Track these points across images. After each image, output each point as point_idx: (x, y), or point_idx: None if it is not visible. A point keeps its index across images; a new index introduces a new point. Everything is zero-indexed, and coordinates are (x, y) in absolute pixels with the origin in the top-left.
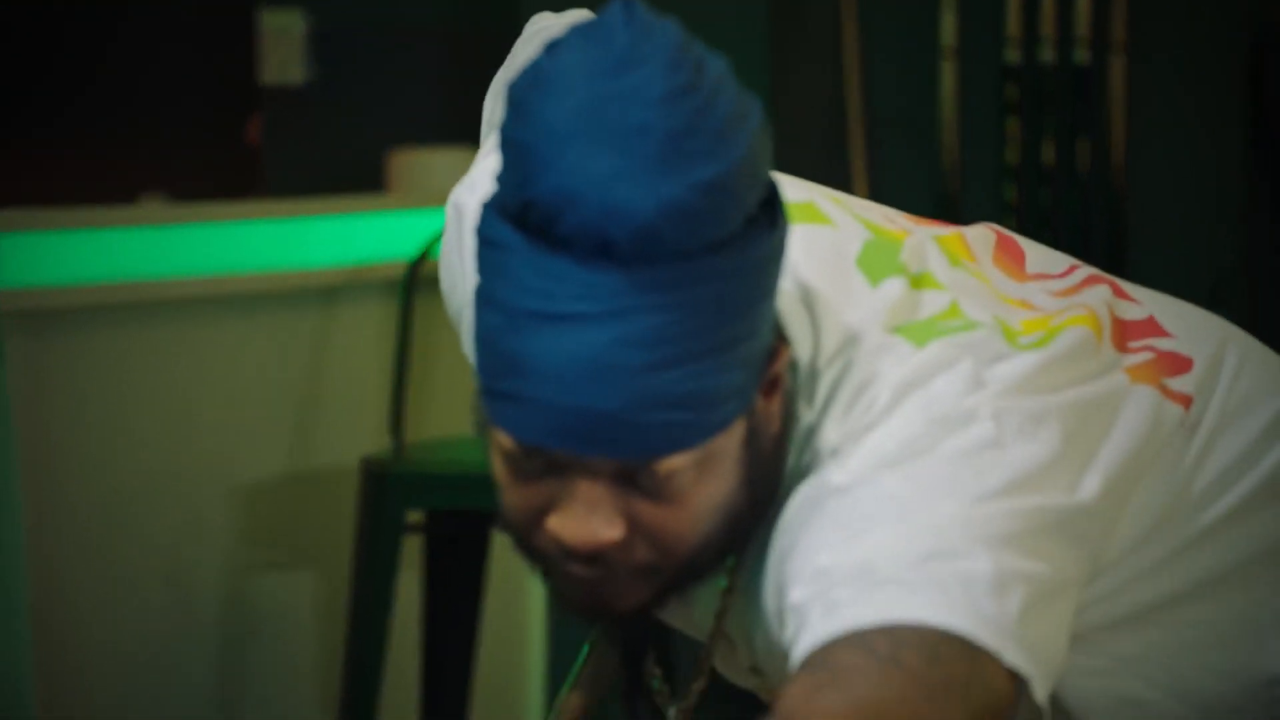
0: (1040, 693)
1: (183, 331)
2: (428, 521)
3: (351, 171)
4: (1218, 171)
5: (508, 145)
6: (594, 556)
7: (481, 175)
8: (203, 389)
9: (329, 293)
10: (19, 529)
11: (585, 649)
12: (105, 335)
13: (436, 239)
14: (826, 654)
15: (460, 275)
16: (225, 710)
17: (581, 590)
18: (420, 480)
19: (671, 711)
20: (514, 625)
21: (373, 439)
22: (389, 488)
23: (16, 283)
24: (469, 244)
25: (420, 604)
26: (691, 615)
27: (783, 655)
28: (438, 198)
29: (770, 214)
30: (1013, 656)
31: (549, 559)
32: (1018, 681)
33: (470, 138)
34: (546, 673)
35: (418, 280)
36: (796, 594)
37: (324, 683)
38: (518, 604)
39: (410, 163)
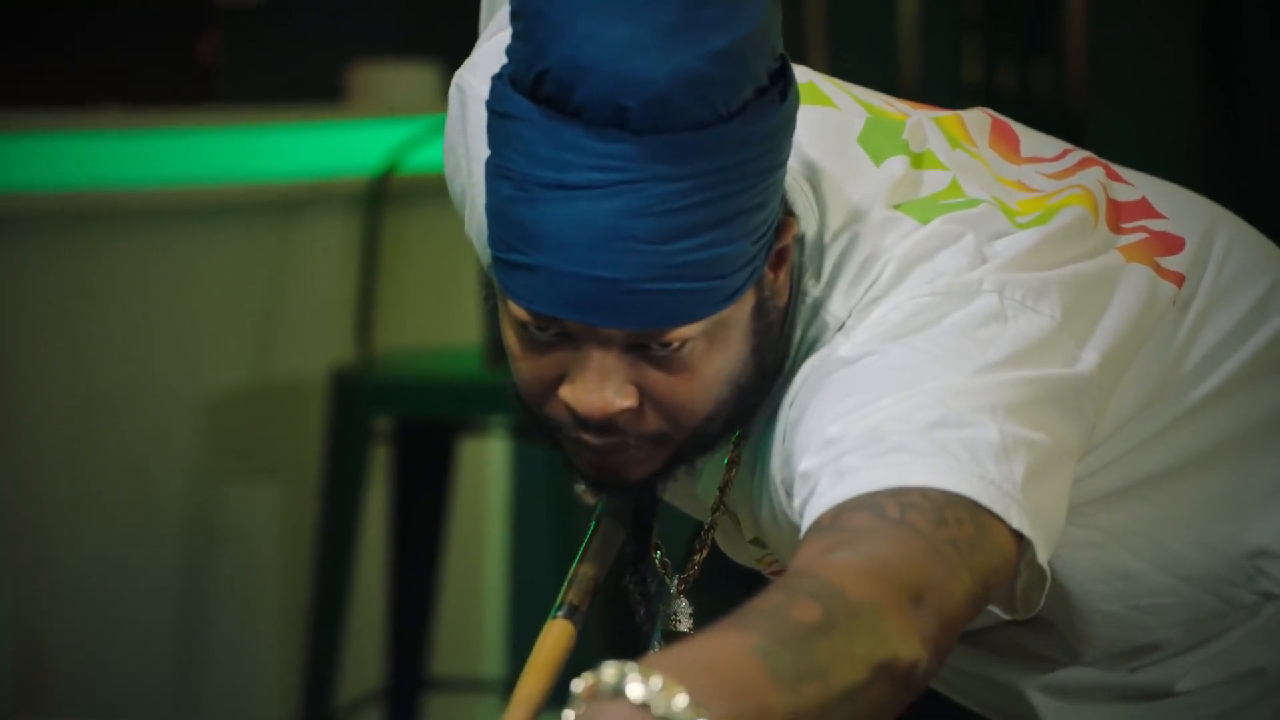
0: (1042, 555)
1: (146, 242)
2: (395, 431)
3: (311, 87)
4: (1175, 91)
5: (520, 16)
6: (606, 425)
7: (484, 57)
8: (167, 300)
9: (291, 205)
10: None
11: (594, 523)
12: (68, 243)
13: (400, 151)
14: (837, 517)
15: (464, 156)
16: (191, 620)
17: (593, 459)
18: (388, 388)
19: (674, 582)
20: (478, 535)
21: (337, 351)
22: (357, 396)
23: None
24: (472, 124)
25: (386, 515)
26: (695, 490)
27: (788, 525)
28: (399, 110)
29: (781, 86)
30: (1017, 520)
31: (561, 429)
32: (1020, 545)
33: (431, 50)
34: (509, 582)
35: (385, 192)
36: (805, 463)
37: (290, 593)
38: (482, 514)
39: (371, 77)
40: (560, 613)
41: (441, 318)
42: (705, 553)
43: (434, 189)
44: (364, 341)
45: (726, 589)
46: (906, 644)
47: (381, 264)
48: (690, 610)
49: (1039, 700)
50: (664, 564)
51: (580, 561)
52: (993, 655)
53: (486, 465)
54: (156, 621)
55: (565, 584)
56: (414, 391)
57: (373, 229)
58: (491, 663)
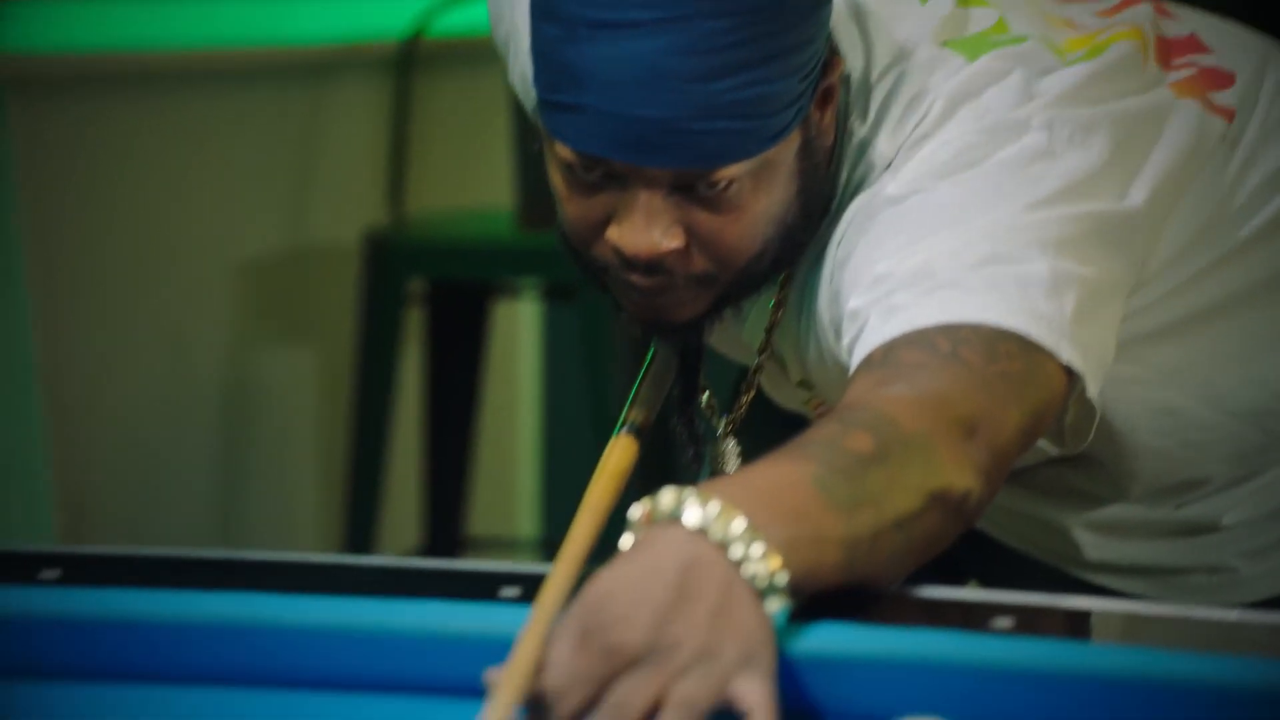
0: (1092, 389)
1: (179, 105)
2: (428, 293)
3: None
4: None
5: None
6: (653, 266)
7: None
8: (201, 164)
9: (322, 68)
10: (25, 299)
11: (645, 364)
12: (103, 106)
13: (429, 14)
14: (888, 353)
15: (506, 2)
16: (229, 482)
17: (640, 301)
18: (421, 251)
19: (721, 424)
20: (511, 397)
21: (370, 214)
22: (390, 258)
23: (18, 48)
24: None
25: (421, 377)
26: (741, 334)
27: (835, 366)
28: None
29: None
30: (1067, 354)
31: (608, 270)
32: (1070, 380)
33: None
34: (542, 443)
35: (415, 55)
36: (855, 301)
37: (327, 455)
38: (515, 376)
39: None
40: (624, 429)
41: (473, 181)
42: (752, 394)
43: (464, 52)
44: (396, 204)
45: (773, 432)
46: (959, 474)
47: (413, 127)
48: (738, 451)
49: (1084, 538)
50: (711, 406)
51: (640, 386)
52: (1039, 494)
53: (519, 327)
54: (195, 482)
55: (627, 406)
56: (447, 254)
57: (403, 92)
58: (526, 523)
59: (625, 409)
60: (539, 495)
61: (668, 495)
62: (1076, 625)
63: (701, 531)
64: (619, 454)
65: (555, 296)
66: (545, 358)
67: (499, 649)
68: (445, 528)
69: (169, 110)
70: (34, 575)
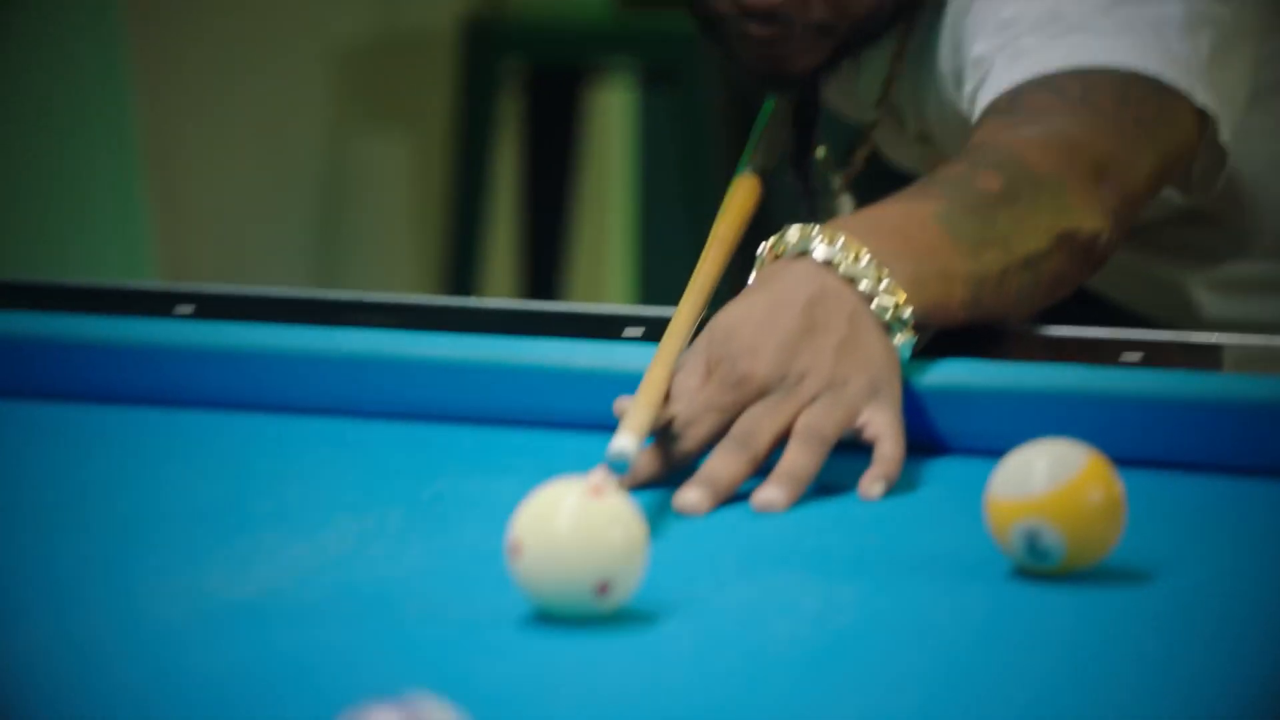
0: (1225, 133)
1: None
2: (524, 77)
3: None
4: None
5: None
6: (771, 14)
7: None
8: None
9: None
10: (129, 88)
11: (764, 114)
12: None
13: None
14: (1015, 98)
15: None
16: (324, 272)
17: (757, 51)
18: (517, 34)
19: (837, 179)
20: (606, 181)
21: (463, 2)
22: (487, 42)
23: None
24: None
25: (517, 160)
26: (856, 89)
27: (956, 118)
28: None
29: None
30: (1201, 96)
31: (725, 21)
32: (1201, 124)
33: None
34: (637, 227)
35: None
36: (979, 47)
37: (424, 241)
38: (610, 160)
39: None
40: (748, 169)
41: None
42: (868, 150)
43: None
44: None
45: (888, 188)
46: (1089, 216)
47: None
48: (853, 206)
49: (1204, 296)
50: (827, 162)
51: (760, 134)
52: (1160, 252)
53: (614, 111)
54: (292, 269)
55: (749, 149)
56: (543, 37)
57: None
58: (620, 302)
59: (747, 153)
60: (634, 279)
61: (794, 231)
62: (1204, 360)
63: (828, 265)
64: (743, 192)
65: (652, 79)
66: (641, 141)
67: (624, 385)
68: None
69: None
70: (170, 310)
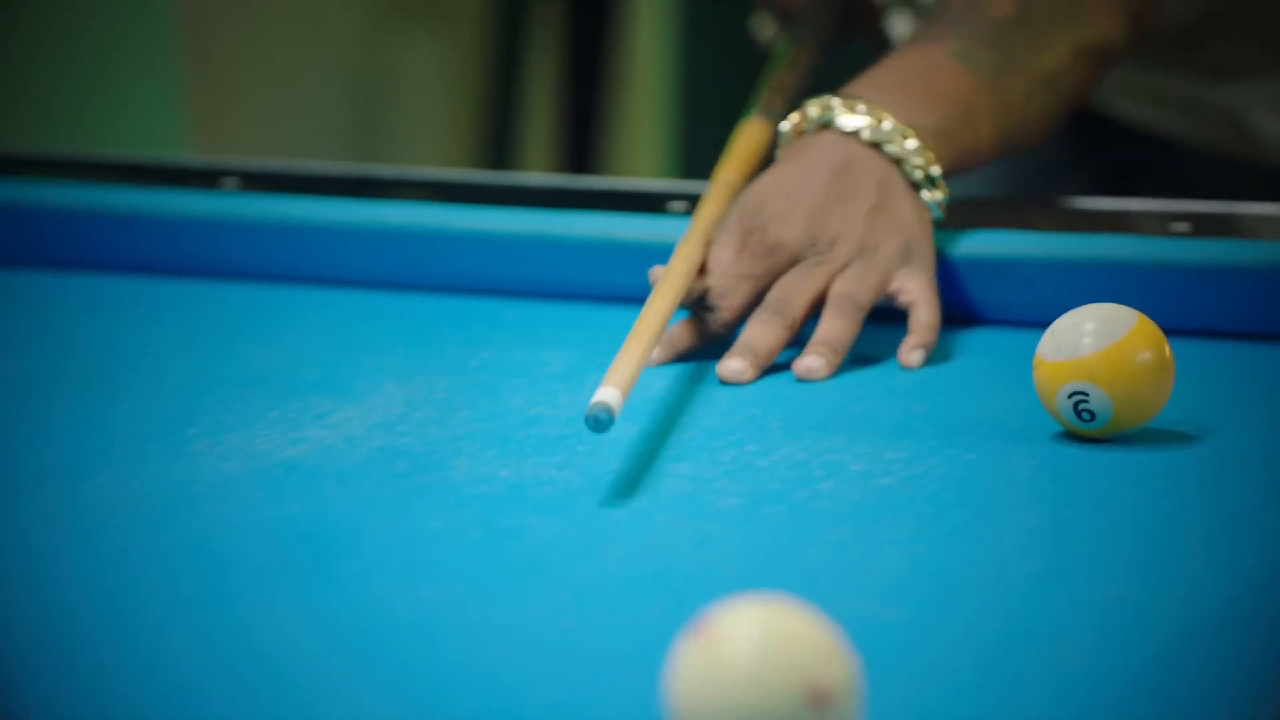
0: None
1: None
2: None
3: None
4: None
5: None
6: None
7: None
8: None
9: None
10: None
11: (772, 65)
12: None
13: None
14: None
15: None
16: (362, 141)
17: None
18: None
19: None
20: (646, 55)
21: None
22: None
23: None
24: None
25: (555, 61)
26: None
27: None
28: None
29: None
30: None
31: None
32: None
33: None
34: (678, 100)
35: None
36: None
37: (458, 143)
38: (651, 33)
39: None
40: (756, 112)
41: None
42: None
43: None
44: None
45: None
46: (1106, 21)
47: None
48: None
49: (1262, 120)
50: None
51: (774, 74)
52: (1212, 77)
53: (655, 16)
54: (333, 140)
55: (760, 91)
56: None
57: None
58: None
59: (757, 95)
60: (674, 155)
61: (813, 105)
62: (1251, 231)
63: (853, 133)
64: (750, 136)
65: None
66: (683, 18)
67: (666, 258)
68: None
69: None
70: (215, 184)
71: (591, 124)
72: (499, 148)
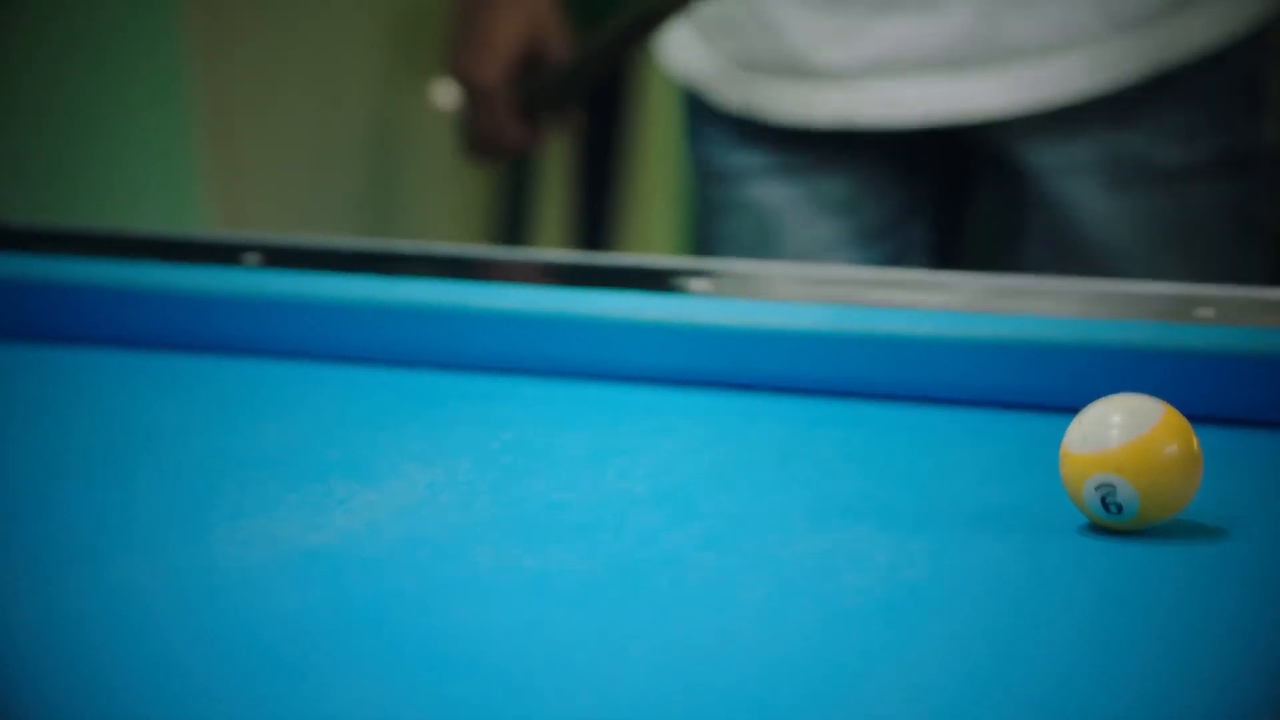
0: None
1: None
2: (581, 19)
3: None
4: None
5: None
6: None
7: None
8: None
9: None
10: (182, 37)
11: None
12: None
13: None
14: None
15: None
16: (377, 216)
17: None
18: None
19: None
20: (661, 129)
21: None
22: None
23: None
24: None
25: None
26: None
27: None
28: None
29: None
30: None
31: None
32: None
33: None
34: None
35: None
36: None
37: (472, 200)
38: (666, 108)
39: None
40: None
41: None
42: None
43: None
44: None
45: None
46: None
47: None
48: None
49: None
50: None
51: None
52: None
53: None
54: (346, 215)
55: None
56: None
57: None
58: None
59: None
60: (688, 229)
61: None
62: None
63: None
64: None
65: None
66: None
67: (690, 338)
68: (592, 241)
69: None
70: (236, 259)
71: (606, 197)
72: (513, 221)
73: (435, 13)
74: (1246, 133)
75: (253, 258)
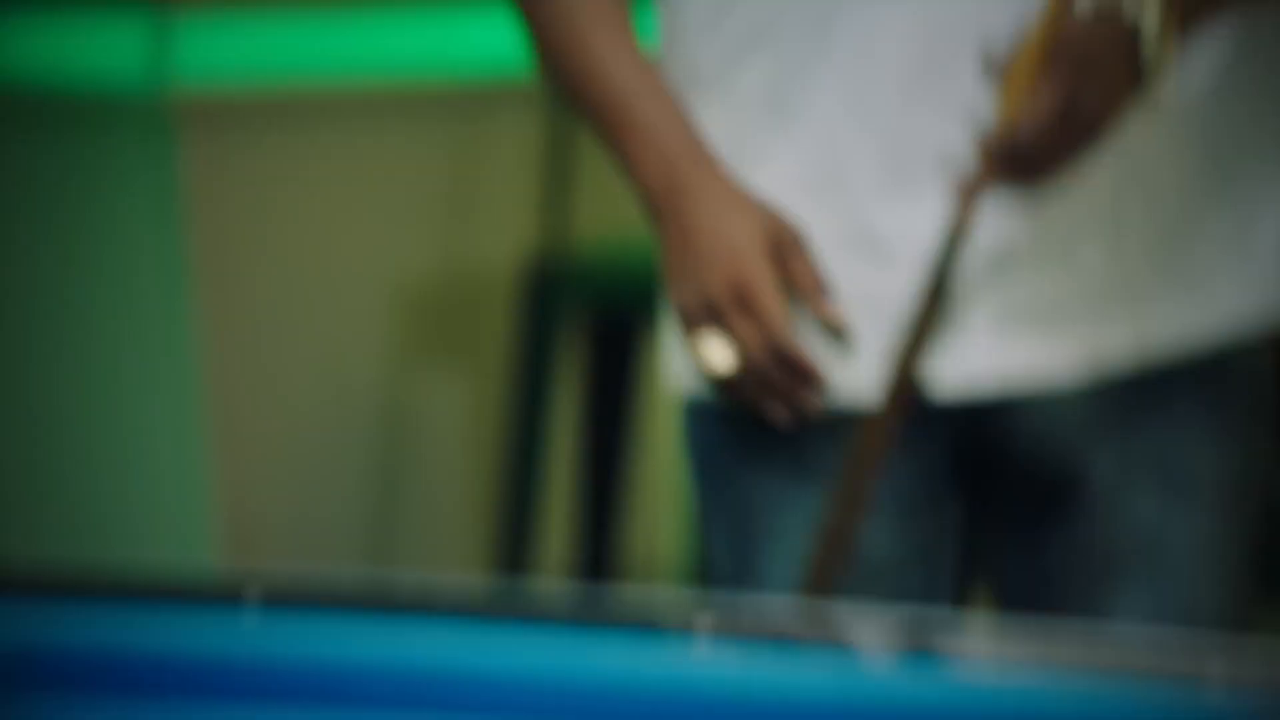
0: None
1: (343, 134)
2: (589, 324)
3: None
4: None
5: None
6: None
7: None
8: (363, 190)
9: (484, 98)
10: (194, 320)
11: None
12: (261, 136)
13: None
14: None
15: None
16: (382, 506)
17: None
18: (580, 282)
19: None
20: (671, 437)
21: (530, 242)
22: (549, 288)
23: (191, 80)
24: None
25: (578, 409)
26: None
27: None
28: None
29: None
30: None
31: None
32: None
33: None
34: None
35: None
36: None
37: (479, 485)
38: (669, 409)
39: None
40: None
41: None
42: None
43: None
44: (557, 234)
45: None
46: None
47: (575, 155)
48: None
49: None
50: None
51: None
52: None
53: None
54: (350, 502)
55: None
56: (606, 285)
57: (566, 118)
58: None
59: None
60: (689, 529)
61: None
62: None
63: None
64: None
65: None
66: None
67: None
68: (597, 552)
69: (331, 140)
70: (237, 597)
71: (612, 492)
72: (518, 518)
73: (446, 296)
74: None
75: (254, 595)
